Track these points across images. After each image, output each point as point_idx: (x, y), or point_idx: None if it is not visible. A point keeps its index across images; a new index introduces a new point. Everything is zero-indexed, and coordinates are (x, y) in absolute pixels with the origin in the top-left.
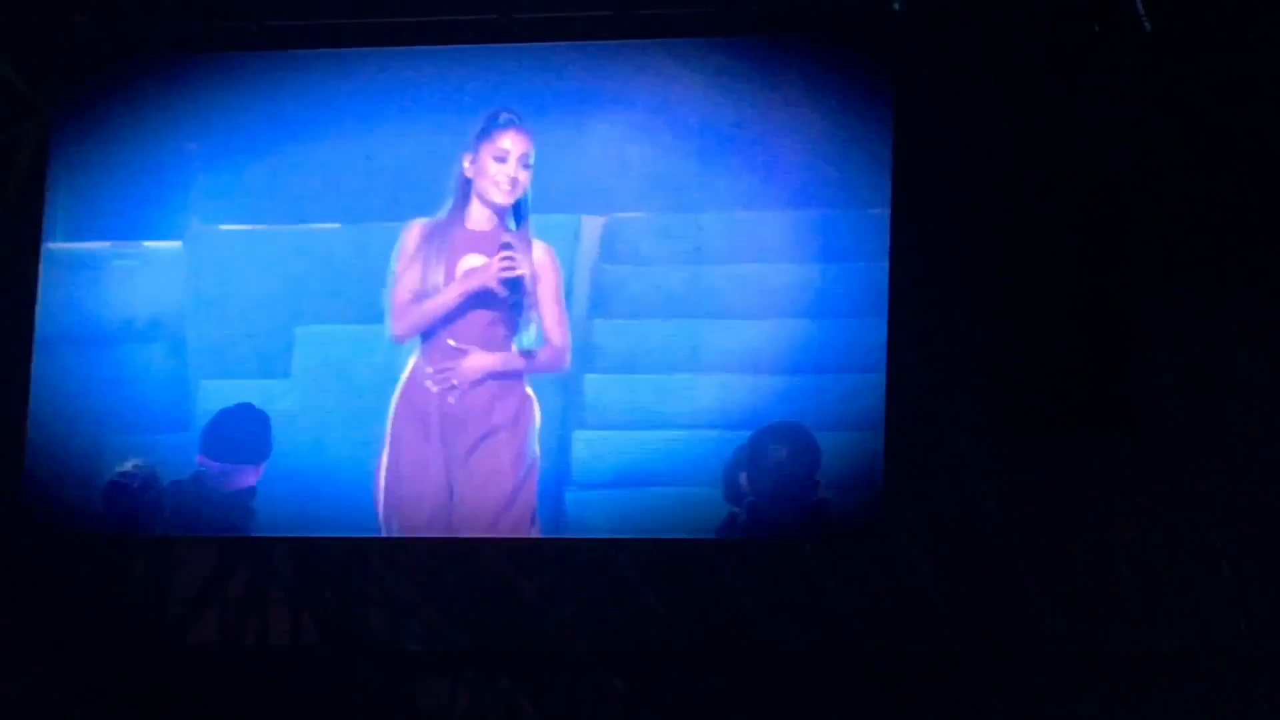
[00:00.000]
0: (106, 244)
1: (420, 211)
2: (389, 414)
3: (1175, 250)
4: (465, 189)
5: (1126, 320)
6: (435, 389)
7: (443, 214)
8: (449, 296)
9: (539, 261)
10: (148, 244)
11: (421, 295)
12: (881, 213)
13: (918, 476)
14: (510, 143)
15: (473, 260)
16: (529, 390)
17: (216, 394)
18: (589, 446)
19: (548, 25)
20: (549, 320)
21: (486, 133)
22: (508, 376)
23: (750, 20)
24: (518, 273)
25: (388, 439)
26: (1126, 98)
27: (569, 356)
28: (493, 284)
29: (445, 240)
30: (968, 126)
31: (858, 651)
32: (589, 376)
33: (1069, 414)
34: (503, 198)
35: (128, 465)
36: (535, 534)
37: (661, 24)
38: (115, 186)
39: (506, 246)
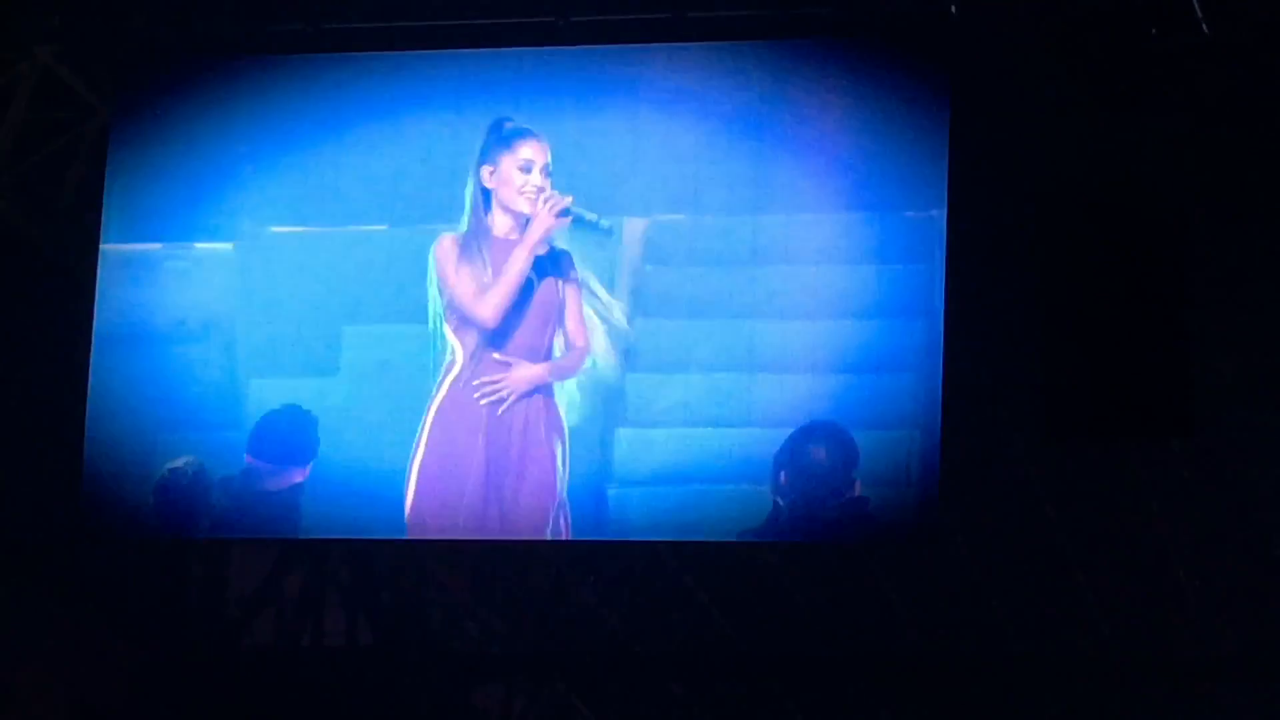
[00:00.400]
0: (160, 246)
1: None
2: (427, 418)
3: (1234, 254)
4: (486, 199)
5: (1184, 325)
6: (486, 404)
7: (465, 225)
8: (517, 264)
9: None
10: (200, 245)
11: (485, 288)
12: (938, 215)
13: (973, 480)
14: (532, 152)
15: None
16: (556, 398)
17: (266, 392)
18: (630, 444)
19: (602, 28)
20: (572, 324)
21: (506, 143)
22: (549, 387)
23: (807, 24)
24: (563, 204)
25: (423, 442)
26: (1184, 100)
27: (589, 360)
28: (552, 224)
29: (482, 249)
30: (1024, 129)
31: (913, 656)
32: (630, 376)
33: (1126, 419)
34: (529, 207)
35: (179, 462)
36: (566, 536)
37: (716, 27)
38: (169, 188)
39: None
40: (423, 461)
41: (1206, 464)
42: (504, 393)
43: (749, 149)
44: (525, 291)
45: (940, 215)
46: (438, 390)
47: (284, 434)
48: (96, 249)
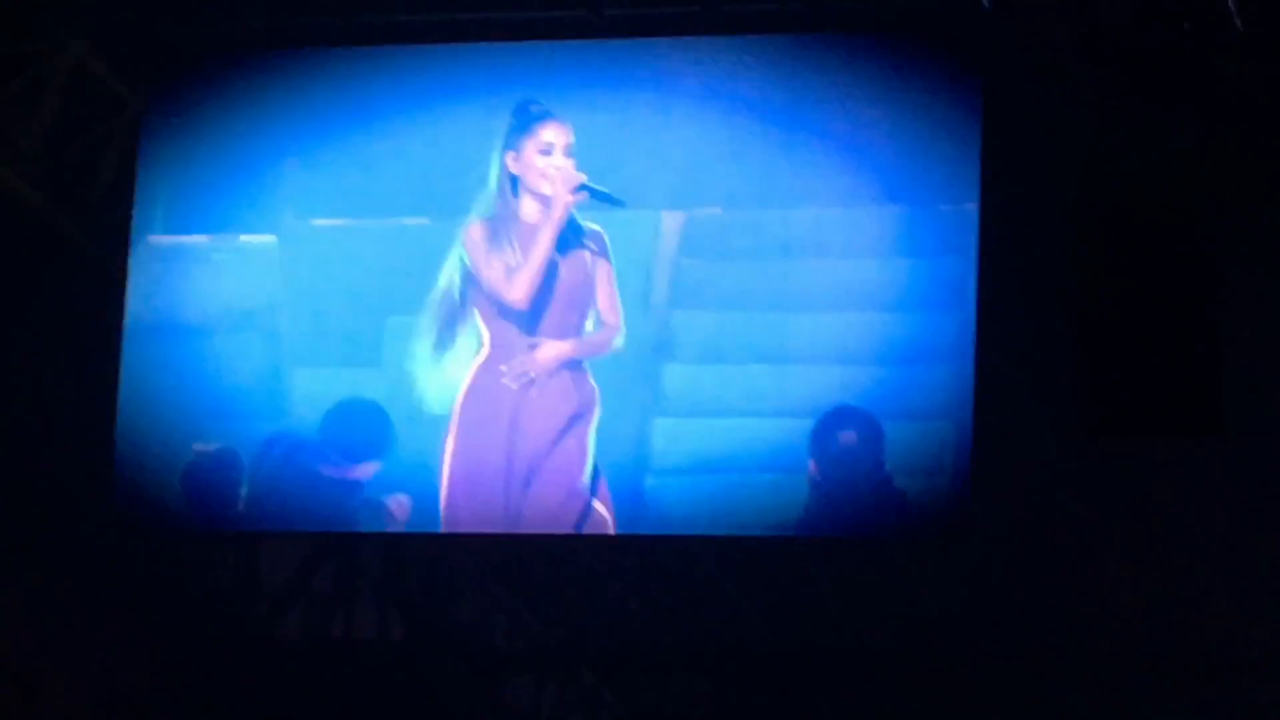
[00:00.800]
0: (204, 238)
1: None
2: (454, 408)
3: (1268, 252)
4: (513, 185)
5: (1217, 322)
6: (515, 387)
7: (490, 210)
8: (542, 244)
9: (595, 246)
10: (243, 238)
11: (512, 272)
12: (971, 209)
13: (1004, 475)
14: (553, 134)
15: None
16: (592, 382)
17: (309, 383)
18: (667, 435)
19: (635, 21)
20: (604, 302)
21: (526, 127)
22: (577, 365)
23: (839, 18)
24: (577, 180)
25: (453, 433)
26: (1218, 97)
27: (620, 338)
28: (569, 200)
29: (509, 234)
30: (1057, 124)
31: (942, 651)
32: (668, 366)
33: (1157, 416)
34: (548, 187)
35: (208, 446)
36: (594, 526)
37: (748, 20)
38: (212, 181)
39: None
40: (453, 452)
41: (1238, 462)
42: (532, 373)
43: (782, 143)
44: (552, 272)
45: (973, 209)
46: (466, 379)
47: (363, 427)
48: (128, 241)
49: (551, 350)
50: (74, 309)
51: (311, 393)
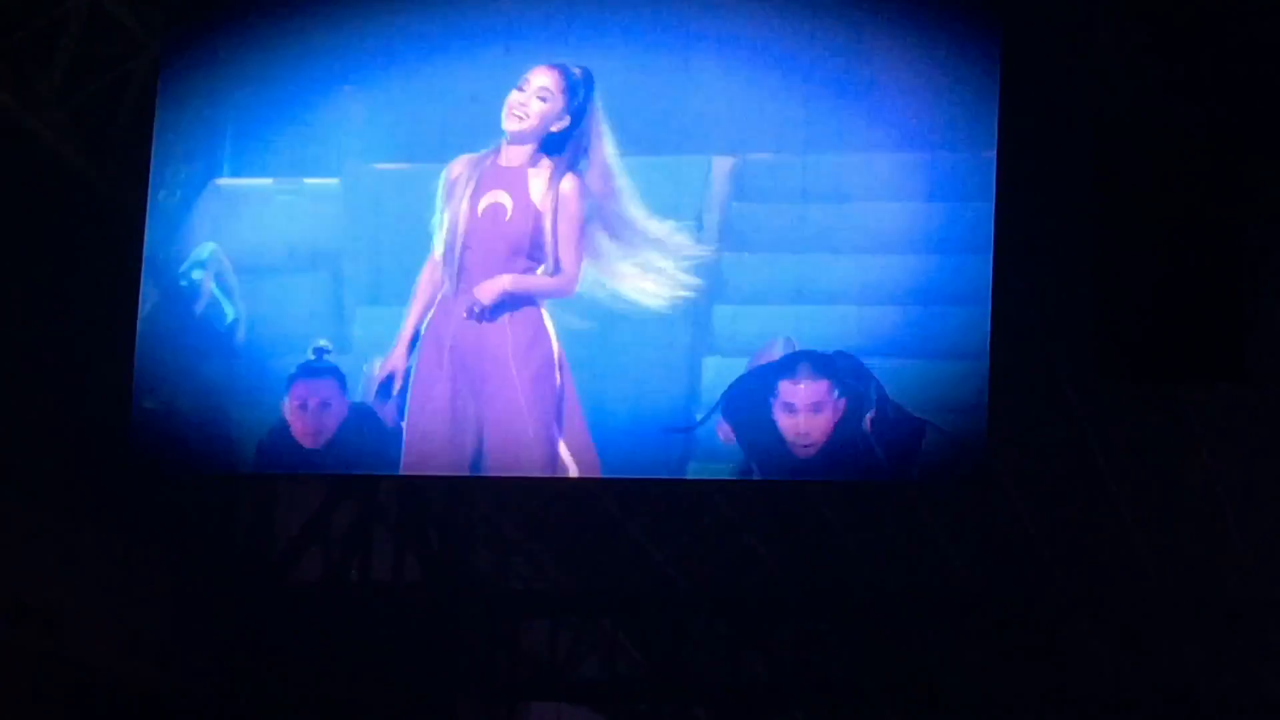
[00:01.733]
0: (269, 181)
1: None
2: (415, 354)
3: None
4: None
5: (1238, 267)
6: (464, 316)
7: (487, 150)
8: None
9: (564, 192)
10: (308, 180)
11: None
12: (989, 156)
13: (1022, 419)
14: (535, 75)
15: (495, 196)
16: (546, 319)
17: (371, 320)
18: (718, 372)
19: None
20: (565, 247)
21: (518, 70)
22: (521, 301)
23: None
24: None
25: (413, 375)
26: (1240, 39)
27: (577, 284)
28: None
29: (476, 175)
30: (1076, 69)
31: (959, 595)
32: (718, 307)
33: (1177, 361)
34: (514, 123)
35: (321, 341)
36: (566, 468)
37: None
38: (278, 126)
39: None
40: (412, 396)
41: (1257, 407)
42: (475, 306)
43: (804, 90)
44: (499, 217)
45: (991, 157)
46: (427, 319)
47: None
48: (145, 183)
49: (494, 283)
50: (91, 250)
51: (375, 329)
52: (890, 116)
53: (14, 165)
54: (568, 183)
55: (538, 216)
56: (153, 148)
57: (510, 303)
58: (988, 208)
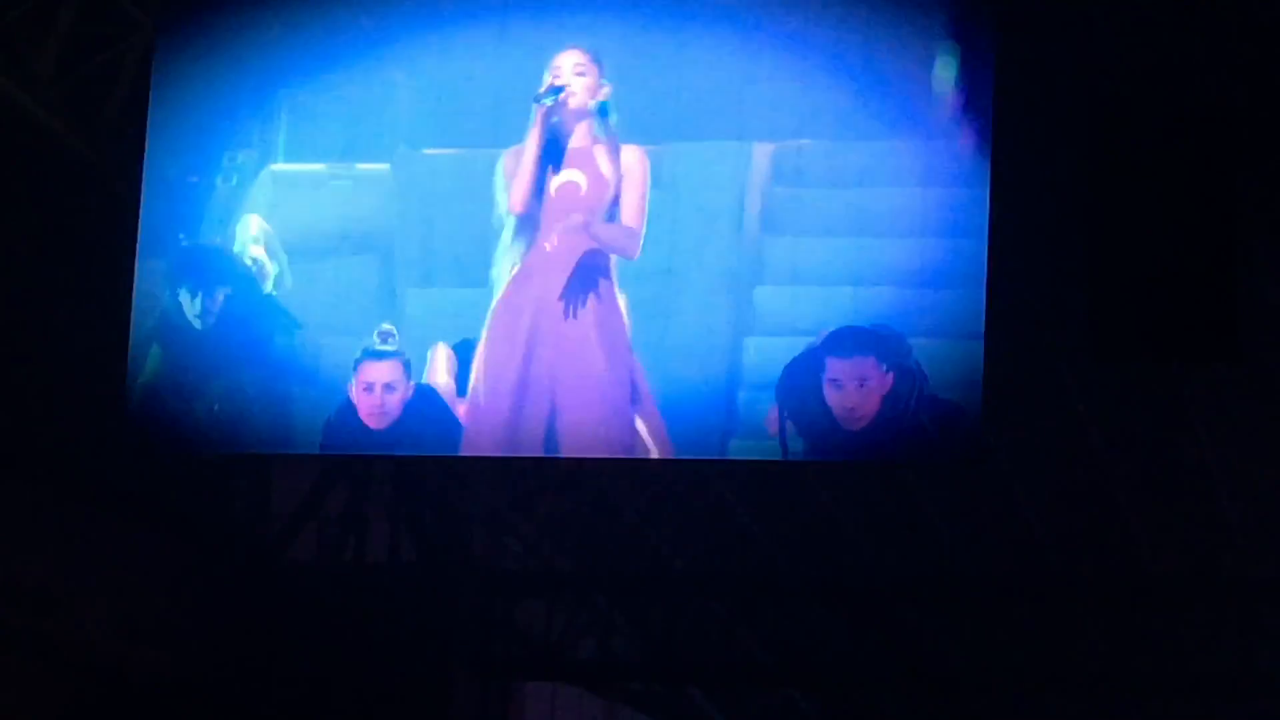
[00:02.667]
0: (323, 166)
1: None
2: (484, 330)
3: None
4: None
5: (1233, 248)
6: (549, 248)
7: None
8: (529, 152)
9: (627, 162)
10: (360, 166)
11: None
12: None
13: (1018, 400)
14: (562, 58)
15: (569, 175)
16: (620, 299)
17: (422, 302)
18: (760, 352)
19: None
20: (629, 209)
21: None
22: (597, 277)
23: None
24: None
25: (481, 349)
26: (1237, 19)
27: (639, 245)
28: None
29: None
30: (1072, 49)
31: (954, 576)
32: (759, 289)
33: (1172, 341)
34: (572, 101)
35: (385, 325)
36: (646, 446)
37: None
38: (331, 112)
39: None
40: (483, 373)
41: (1252, 388)
42: (547, 246)
43: (800, 73)
44: (573, 194)
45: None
46: (498, 295)
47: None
48: (140, 163)
49: (567, 221)
50: (87, 230)
51: (425, 310)
52: (887, 100)
53: (9, 145)
54: (630, 153)
55: (608, 188)
56: (147, 127)
57: (589, 282)
58: (983, 193)
